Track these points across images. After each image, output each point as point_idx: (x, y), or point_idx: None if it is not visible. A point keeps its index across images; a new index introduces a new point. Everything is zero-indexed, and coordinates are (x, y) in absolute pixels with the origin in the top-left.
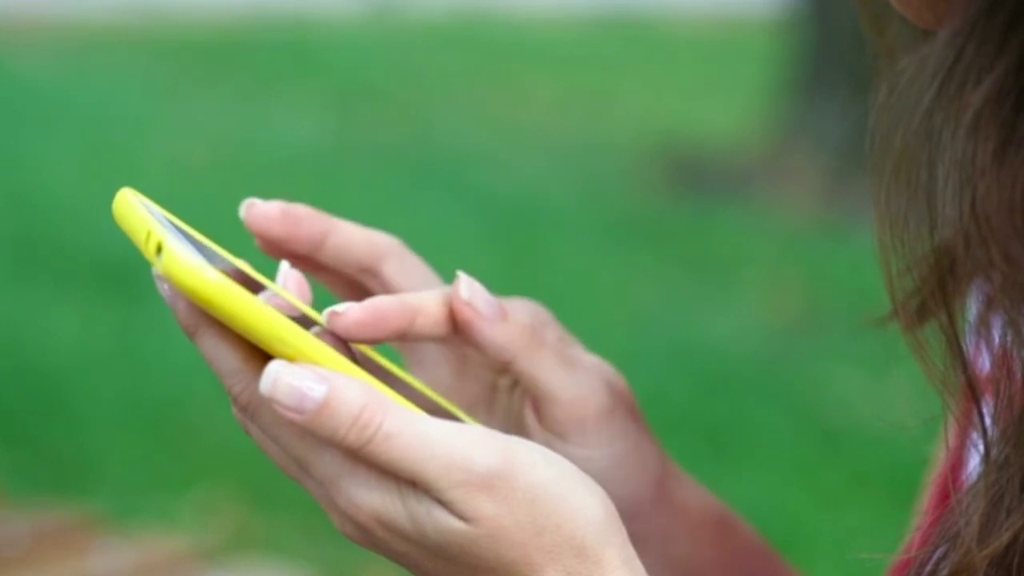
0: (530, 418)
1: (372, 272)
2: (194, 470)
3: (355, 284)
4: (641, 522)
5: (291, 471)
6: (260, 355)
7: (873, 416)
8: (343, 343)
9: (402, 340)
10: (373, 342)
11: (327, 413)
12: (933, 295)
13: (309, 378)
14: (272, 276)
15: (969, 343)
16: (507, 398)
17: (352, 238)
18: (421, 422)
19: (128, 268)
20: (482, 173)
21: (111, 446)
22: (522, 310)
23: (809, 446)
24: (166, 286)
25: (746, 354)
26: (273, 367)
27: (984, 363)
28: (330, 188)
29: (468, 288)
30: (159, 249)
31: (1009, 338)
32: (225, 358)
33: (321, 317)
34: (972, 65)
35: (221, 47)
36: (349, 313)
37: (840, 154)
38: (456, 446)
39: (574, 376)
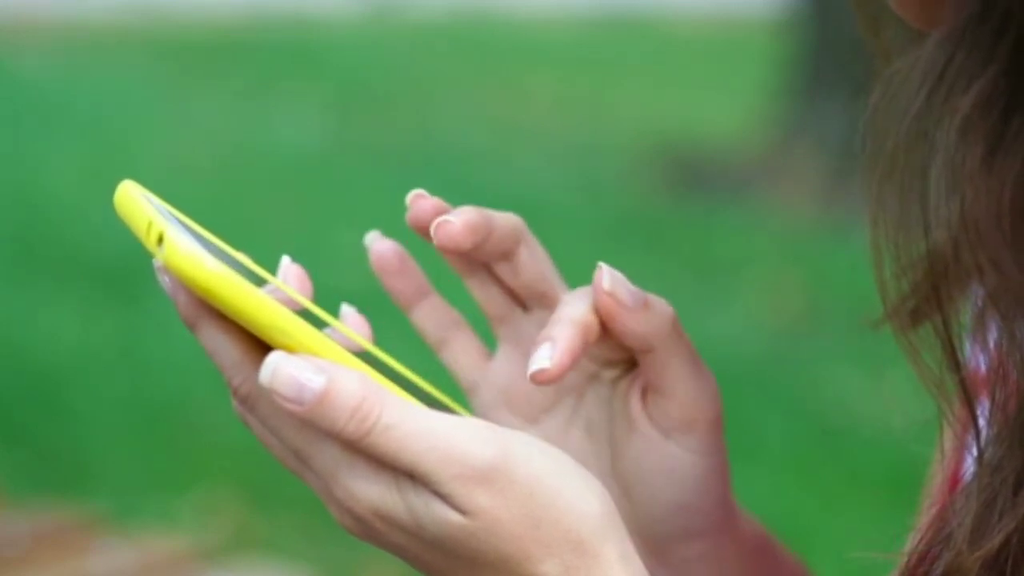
0: (636, 408)
1: (508, 257)
2: (194, 470)
3: (473, 262)
4: (708, 541)
5: (290, 463)
6: (260, 348)
7: (872, 416)
8: (345, 336)
9: (578, 359)
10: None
11: (326, 404)
12: (927, 298)
13: (308, 369)
14: (272, 271)
15: (966, 345)
16: (608, 389)
17: (505, 229)
18: (420, 414)
19: (128, 268)
20: (482, 173)
21: (111, 446)
22: (665, 303)
23: (809, 446)
24: (167, 278)
25: (746, 354)
26: (272, 358)
27: (980, 365)
28: (330, 188)
29: (611, 279)
30: (160, 240)
31: (1003, 341)
32: (225, 350)
33: (318, 309)
34: (962, 70)
35: (221, 47)
36: (554, 367)
37: (840, 154)
38: (454, 439)
39: (699, 379)
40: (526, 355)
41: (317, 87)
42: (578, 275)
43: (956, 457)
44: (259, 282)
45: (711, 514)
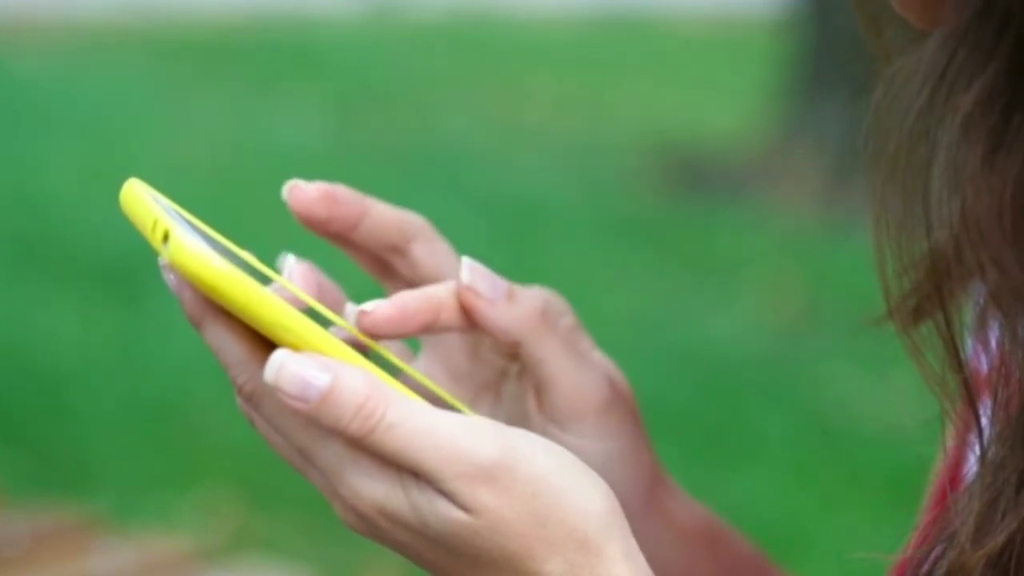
0: (531, 404)
1: (401, 252)
2: (194, 470)
3: (382, 262)
4: (633, 522)
5: (294, 461)
6: (265, 346)
7: (873, 416)
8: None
9: (428, 333)
10: (400, 337)
11: (331, 402)
12: (929, 296)
13: (313, 367)
14: (277, 269)
15: (968, 344)
16: (515, 385)
17: (385, 218)
18: (424, 412)
19: (128, 268)
20: (482, 173)
21: (111, 446)
22: (534, 295)
23: (809, 446)
24: (172, 276)
25: (746, 354)
26: (278, 355)
27: (982, 363)
28: None
29: (469, 272)
30: (166, 237)
31: (1005, 340)
32: (230, 348)
33: (323, 308)
34: (963, 68)
35: (221, 47)
36: (378, 311)
37: (840, 154)
38: (459, 437)
39: (578, 366)
40: (444, 353)
41: (317, 87)
42: (578, 275)
43: (958, 456)
44: (264, 280)
45: (623, 496)
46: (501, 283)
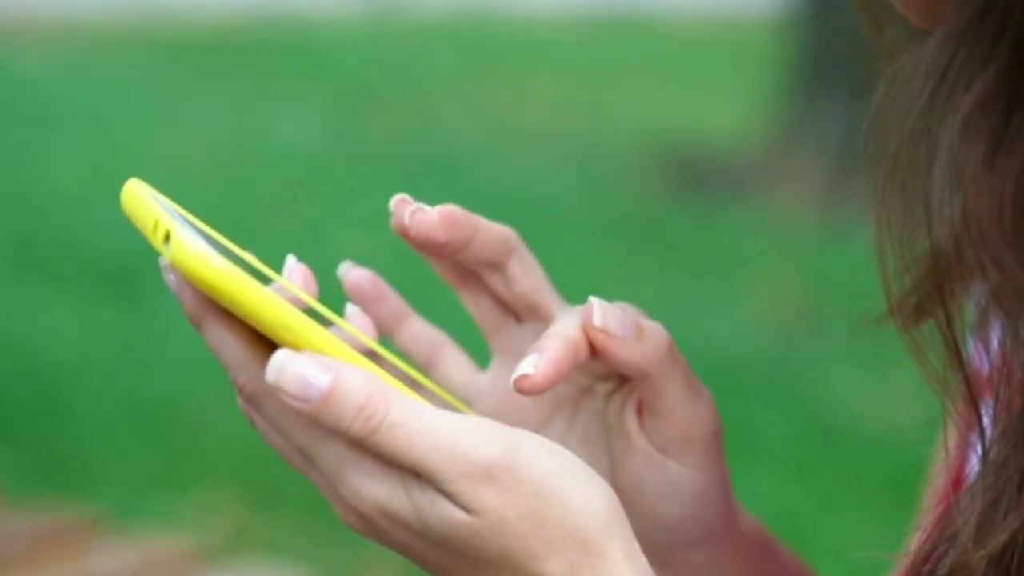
0: (632, 426)
1: (497, 268)
2: (194, 470)
3: (467, 271)
4: (712, 548)
5: (296, 462)
6: (266, 346)
7: (873, 416)
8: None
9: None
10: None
11: (332, 402)
12: (930, 295)
13: (314, 367)
14: (277, 270)
15: (970, 343)
16: (602, 402)
17: (491, 236)
18: (426, 413)
19: (128, 268)
20: (482, 173)
21: (111, 446)
22: (659, 330)
23: (809, 446)
24: (173, 276)
25: (746, 354)
26: (279, 356)
27: (984, 363)
28: (330, 188)
29: (601, 315)
30: (167, 237)
31: (1007, 340)
32: (231, 348)
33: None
34: (964, 68)
35: (221, 47)
36: (539, 374)
37: (840, 154)
38: (460, 437)
39: (694, 398)
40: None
41: (317, 87)
42: (578, 275)
43: (960, 456)
44: (265, 281)
45: (713, 523)
46: (629, 320)
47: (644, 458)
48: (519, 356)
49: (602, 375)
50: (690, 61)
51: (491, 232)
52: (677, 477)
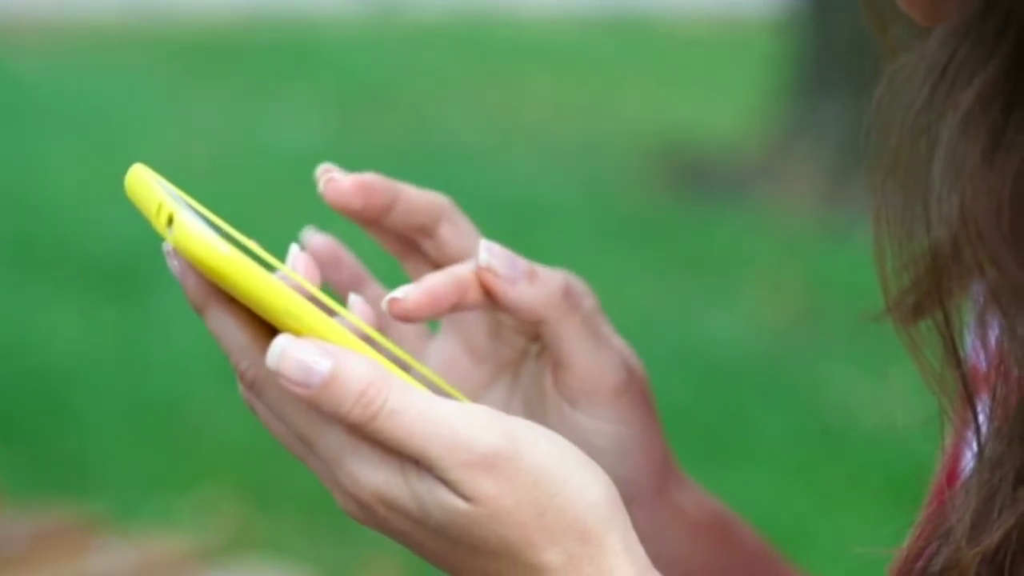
0: (548, 382)
1: (428, 233)
2: (194, 470)
3: (405, 241)
4: (638, 512)
5: (296, 450)
6: (268, 332)
7: (873, 416)
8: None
9: (454, 313)
10: (429, 320)
11: (332, 388)
12: (929, 293)
13: (315, 353)
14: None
15: (968, 341)
16: (535, 365)
17: (414, 202)
18: (426, 400)
19: (128, 268)
20: (482, 173)
21: (111, 446)
22: (556, 275)
23: (809, 446)
24: (176, 262)
25: (746, 354)
26: (280, 341)
27: (981, 361)
28: None
29: (487, 252)
30: (170, 221)
31: (1004, 338)
32: (233, 334)
33: (326, 296)
34: (964, 65)
35: (221, 47)
36: (409, 298)
37: (840, 154)
38: (460, 425)
39: (597, 348)
40: (465, 332)
41: (317, 87)
42: (578, 274)
43: (955, 453)
44: (268, 268)
45: (635, 483)
46: (521, 263)
47: (557, 412)
48: (464, 322)
49: (533, 336)
50: (690, 61)
51: (415, 198)
52: (588, 432)
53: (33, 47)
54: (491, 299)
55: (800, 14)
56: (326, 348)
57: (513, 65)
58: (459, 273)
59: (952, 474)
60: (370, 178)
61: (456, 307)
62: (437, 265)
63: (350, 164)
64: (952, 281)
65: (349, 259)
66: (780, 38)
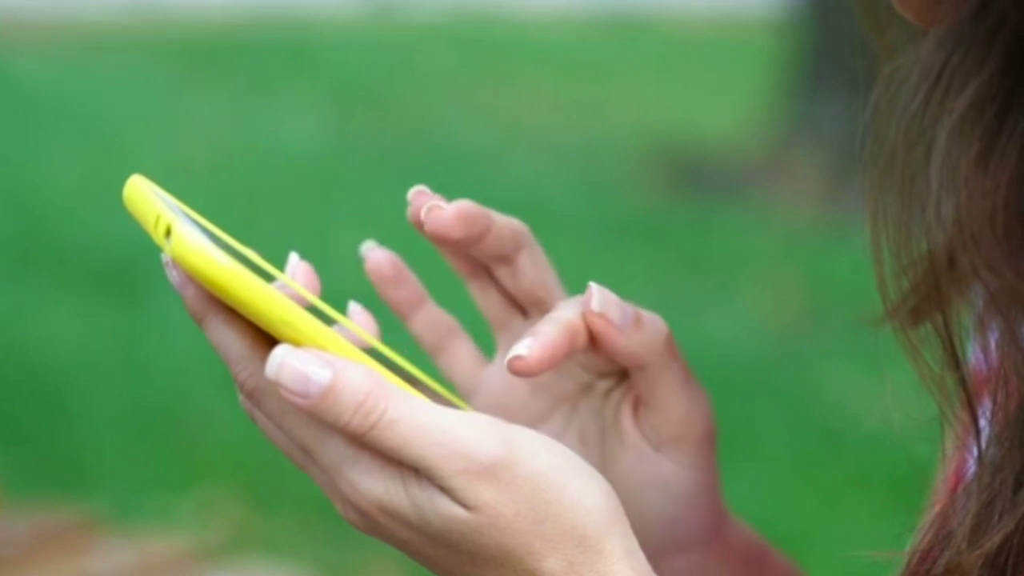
0: (627, 421)
1: (507, 261)
2: (194, 470)
3: (476, 266)
4: (699, 553)
5: (296, 458)
6: (267, 342)
7: (872, 416)
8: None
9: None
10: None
11: (331, 398)
12: (927, 298)
13: (314, 363)
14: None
15: (967, 345)
16: (600, 400)
17: (503, 230)
18: (425, 409)
19: (127, 268)
20: (482, 173)
21: (111, 446)
22: (658, 321)
23: (809, 446)
24: (175, 272)
25: (746, 354)
26: (279, 351)
27: (981, 365)
28: (330, 188)
29: (600, 300)
30: (168, 232)
31: (1004, 342)
32: (232, 344)
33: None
34: (958, 70)
35: (221, 47)
36: (532, 356)
37: (840, 154)
38: (459, 433)
39: (690, 395)
40: None
41: (317, 87)
42: (578, 275)
43: (958, 457)
44: (267, 278)
45: (701, 527)
46: (629, 309)
47: (637, 453)
48: None
49: (602, 372)
50: (690, 61)
51: (504, 227)
52: (668, 475)
53: (33, 47)
54: (597, 344)
55: (800, 14)
56: (325, 358)
57: (513, 65)
58: (571, 322)
59: (955, 478)
60: (469, 208)
61: (568, 357)
62: (507, 293)
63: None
64: (950, 285)
65: (410, 277)
66: (780, 38)
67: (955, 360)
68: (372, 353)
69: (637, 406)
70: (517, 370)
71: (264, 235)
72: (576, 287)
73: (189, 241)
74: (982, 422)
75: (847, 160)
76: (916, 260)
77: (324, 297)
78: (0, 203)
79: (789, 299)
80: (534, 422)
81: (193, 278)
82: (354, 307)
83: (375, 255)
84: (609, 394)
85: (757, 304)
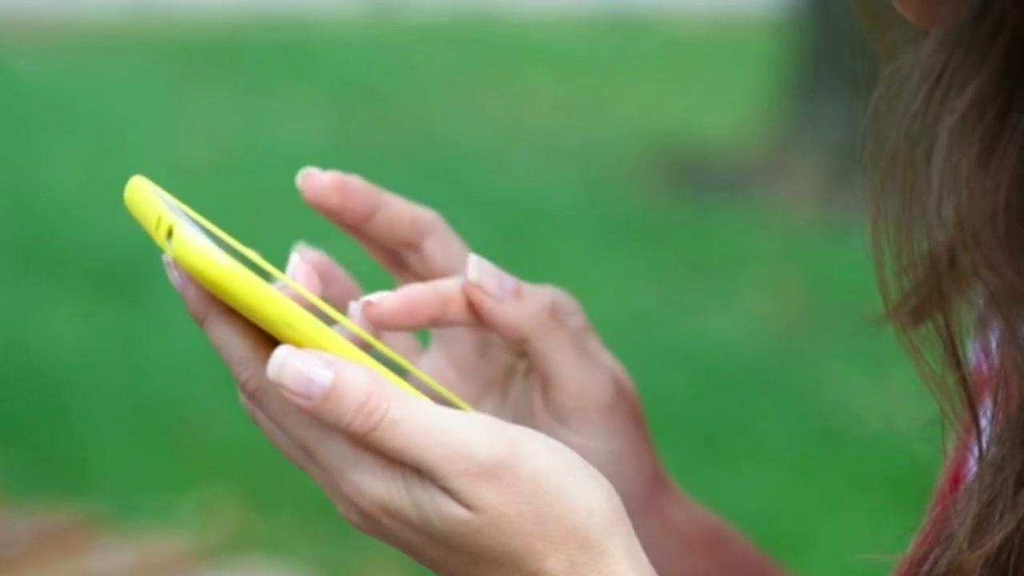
0: (537, 401)
1: (414, 247)
2: (194, 470)
3: (395, 255)
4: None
5: (298, 459)
6: (268, 343)
7: (873, 416)
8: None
9: (434, 326)
10: (406, 329)
11: (333, 399)
12: (928, 298)
13: (316, 363)
14: (282, 268)
15: (968, 345)
16: (523, 383)
17: (399, 213)
18: (427, 410)
19: (128, 268)
20: (482, 173)
21: (111, 446)
22: (542, 292)
23: (809, 446)
24: (176, 273)
25: (746, 354)
26: (280, 352)
27: (982, 365)
28: None
29: (477, 269)
30: (169, 233)
31: (1005, 342)
32: (234, 345)
33: (327, 306)
34: (959, 70)
35: (221, 47)
36: (384, 302)
37: (840, 154)
38: (461, 434)
39: (585, 365)
40: (453, 348)
41: (317, 87)
42: (578, 275)
43: (959, 458)
44: (268, 279)
45: (627, 499)
46: (509, 280)
47: (546, 431)
48: (455, 338)
49: (520, 353)
50: (690, 61)
51: (401, 210)
52: (578, 450)
53: (33, 47)
54: (477, 316)
55: (800, 14)
56: (327, 359)
57: (513, 65)
58: (441, 286)
59: (956, 479)
60: (350, 179)
61: (436, 320)
62: (423, 281)
63: (349, 165)
64: (951, 285)
65: (341, 274)
66: (780, 38)
67: (956, 360)
68: (373, 353)
69: (542, 384)
70: (368, 315)
71: (264, 235)
72: (576, 287)
73: (191, 242)
74: (983, 422)
75: (847, 160)
76: (917, 260)
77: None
78: (0, 203)
79: (789, 299)
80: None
81: (194, 279)
82: (354, 307)
83: (306, 255)
84: (528, 374)
85: (757, 304)
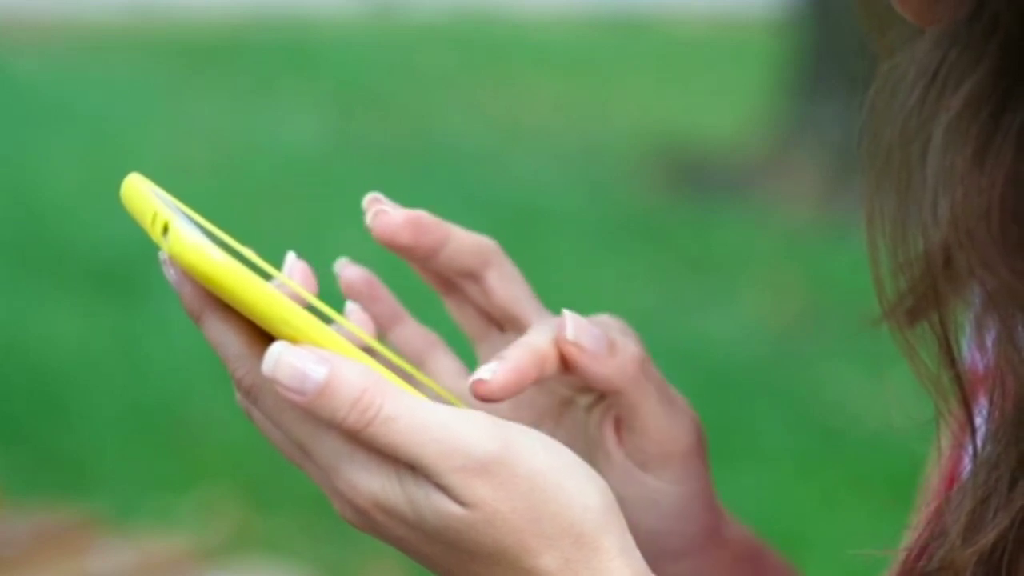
0: (611, 441)
1: (475, 278)
2: (194, 470)
3: (450, 281)
4: (694, 559)
5: (293, 456)
6: (264, 340)
7: (872, 416)
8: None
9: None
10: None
11: (328, 395)
12: (924, 297)
13: (311, 359)
14: (276, 269)
15: (964, 344)
16: (583, 415)
17: (464, 244)
18: (421, 406)
19: (127, 268)
20: (482, 173)
21: (111, 446)
22: (631, 345)
23: (809, 446)
24: (172, 271)
25: (746, 354)
26: (275, 348)
27: (978, 364)
28: (330, 188)
29: (573, 328)
30: (165, 230)
31: (1001, 341)
32: (230, 342)
33: (322, 304)
34: (954, 69)
35: (221, 47)
36: (496, 379)
37: (840, 154)
38: (456, 431)
39: (671, 413)
40: None
41: (317, 87)
42: (578, 275)
43: (954, 456)
44: (264, 277)
45: (694, 536)
46: (602, 335)
47: (623, 472)
48: None
49: (582, 387)
50: (690, 61)
51: (465, 241)
52: (656, 492)
53: (33, 47)
54: (569, 370)
55: (800, 14)
56: (321, 355)
57: (513, 65)
58: (540, 347)
59: (951, 477)
60: (422, 216)
61: (536, 381)
62: (481, 309)
63: (349, 164)
64: (947, 284)
65: (385, 294)
66: (780, 38)
67: (951, 359)
68: (369, 352)
69: (619, 426)
70: (479, 394)
71: (264, 235)
72: (577, 286)
73: (186, 238)
74: (978, 420)
75: (847, 160)
76: (912, 259)
77: (323, 297)
78: (0, 203)
79: (789, 299)
80: None
81: (190, 275)
82: (351, 306)
83: (348, 272)
84: (591, 409)
85: (757, 304)
